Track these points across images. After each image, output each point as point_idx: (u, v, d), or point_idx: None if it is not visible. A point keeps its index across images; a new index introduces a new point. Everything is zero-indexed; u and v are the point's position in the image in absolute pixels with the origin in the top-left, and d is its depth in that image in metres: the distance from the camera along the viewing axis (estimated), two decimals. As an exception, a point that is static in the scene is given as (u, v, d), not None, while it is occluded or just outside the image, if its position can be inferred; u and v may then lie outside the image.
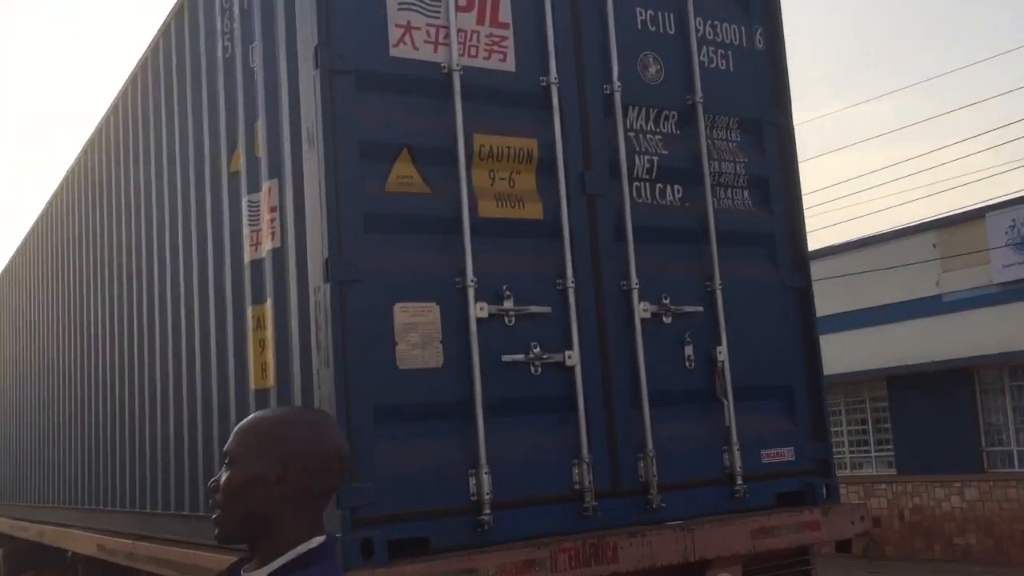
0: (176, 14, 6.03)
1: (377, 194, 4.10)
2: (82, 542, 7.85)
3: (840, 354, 16.76)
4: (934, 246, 16.45)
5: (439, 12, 4.36)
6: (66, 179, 9.29)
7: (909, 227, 17.28)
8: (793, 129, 5.33)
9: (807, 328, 5.19)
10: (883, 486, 17.16)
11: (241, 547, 1.89)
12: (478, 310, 4.20)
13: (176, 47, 6.01)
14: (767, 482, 4.88)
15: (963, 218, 16.31)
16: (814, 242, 10.25)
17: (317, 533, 1.87)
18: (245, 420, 1.95)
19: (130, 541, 6.39)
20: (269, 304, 4.51)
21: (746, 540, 4.56)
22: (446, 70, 4.31)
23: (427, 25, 4.33)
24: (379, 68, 4.19)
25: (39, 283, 10.43)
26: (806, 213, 5.35)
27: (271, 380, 4.47)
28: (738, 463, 4.76)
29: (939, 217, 17.00)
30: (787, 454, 4.99)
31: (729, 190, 5.09)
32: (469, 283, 4.19)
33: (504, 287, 4.30)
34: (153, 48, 6.56)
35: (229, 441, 1.91)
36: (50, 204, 10.08)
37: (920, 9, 48.08)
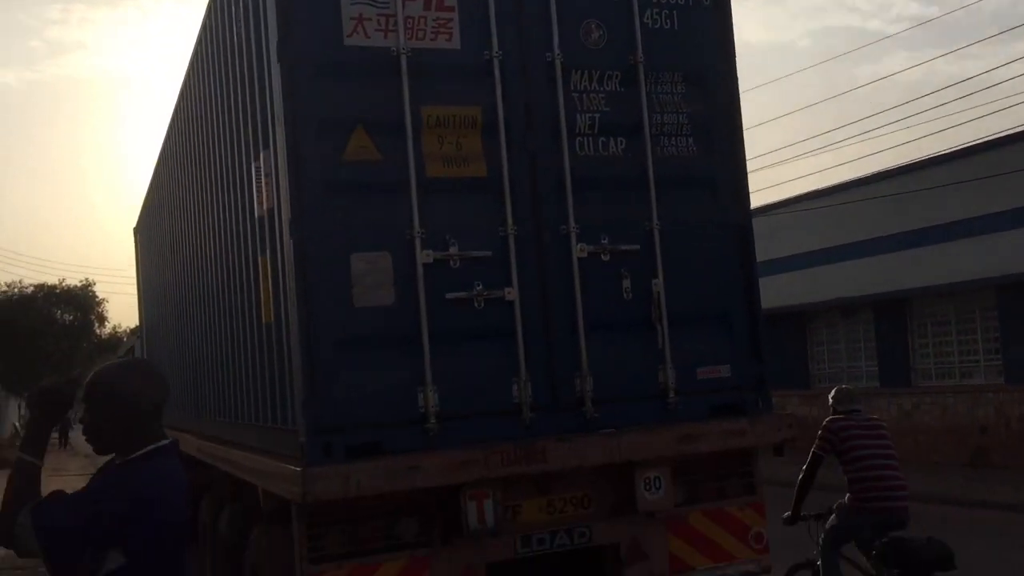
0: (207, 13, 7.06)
1: (334, 163, 4.98)
2: (189, 444, 9.23)
3: (947, 263, 16.70)
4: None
5: (388, 2, 5.13)
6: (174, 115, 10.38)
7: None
8: (736, 74, 5.83)
9: (746, 259, 5.79)
10: (991, 395, 17.11)
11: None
12: (424, 256, 5.05)
13: (214, 40, 7.02)
14: (701, 397, 5.57)
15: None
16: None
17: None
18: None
19: (212, 444, 7.67)
20: (268, 255, 5.50)
21: (671, 444, 5.30)
22: (395, 53, 5.10)
23: (377, 15, 5.11)
24: (334, 57, 5.02)
25: (161, 211, 11.69)
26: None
27: (272, 316, 5.49)
28: (672, 379, 5.47)
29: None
30: (723, 371, 5.65)
31: (673, 138, 5.68)
32: (416, 233, 5.04)
33: (448, 236, 5.12)
34: (198, 41, 7.61)
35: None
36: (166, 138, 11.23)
37: None
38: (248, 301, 6.11)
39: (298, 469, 4.70)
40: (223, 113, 6.72)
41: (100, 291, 71.35)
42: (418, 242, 5.05)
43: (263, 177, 5.52)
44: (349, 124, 5.04)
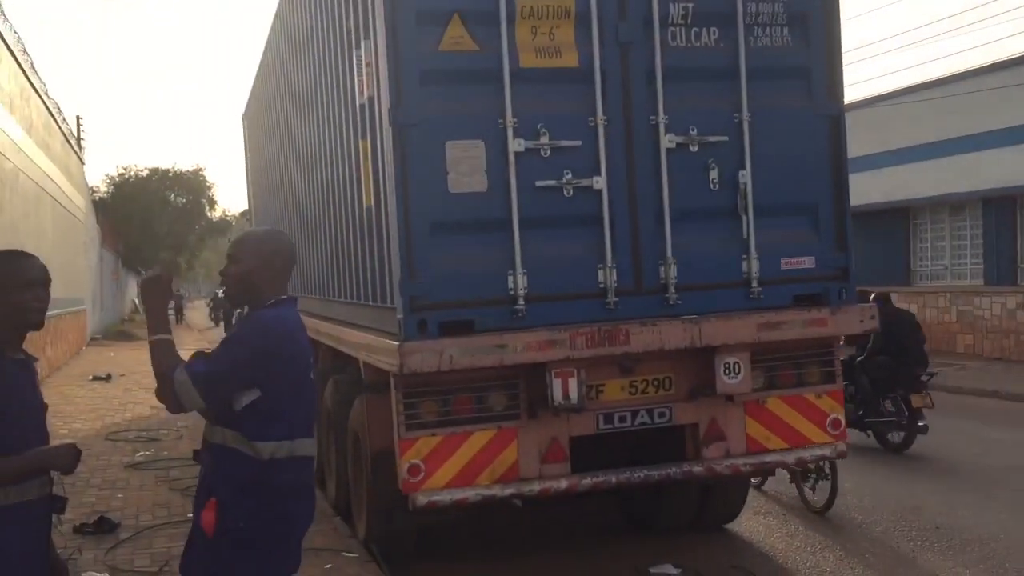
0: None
1: (431, 53, 5.17)
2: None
3: (944, 177, 17.07)
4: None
5: None
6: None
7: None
8: (835, -35, 5.74)
9: (837, 151, 5.80)
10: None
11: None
12: (516, 145, 5.25)
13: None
14: (785, 286, 5.70)
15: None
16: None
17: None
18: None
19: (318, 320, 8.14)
20: (368, 140, 5.77)
21: (751, 331, 5.48)
22: (490, -57, 5.20)
23: (474, -93, 5.19)
24: (430, -54, 5.15)
25: (268, 98, 12.02)
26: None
27: (371, 200, 5.79)
28: (755, 269, 5.61)
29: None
30: (807, 262, 5.75)
31: (767, 28, 5.67)
32: (509, 123, 5.23)
33: (539, 126, 5.30)
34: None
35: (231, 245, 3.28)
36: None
37: None
38: (350, 185, 6.42)
39: (395, 343, 5.06)
40: (326, 2, 6.92)
41: (210, 176, 73.57)
42: (510, 131, 5.24)
43: (364, 66, 5.74)
44: (445, 14, 5.20)
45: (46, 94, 18.50)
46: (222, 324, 41.17)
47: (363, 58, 5.77)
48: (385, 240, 5.47)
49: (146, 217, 42.95)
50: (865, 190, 16.65)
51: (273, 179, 11.81)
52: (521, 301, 5.25)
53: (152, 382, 3.30)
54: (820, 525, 7.10)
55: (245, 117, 15.97)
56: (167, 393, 3.16)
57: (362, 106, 5.92)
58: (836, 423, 5.91)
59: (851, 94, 20.07)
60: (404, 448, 5.25)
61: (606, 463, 5.69)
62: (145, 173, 45.70)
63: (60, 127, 21.04)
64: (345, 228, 6.69)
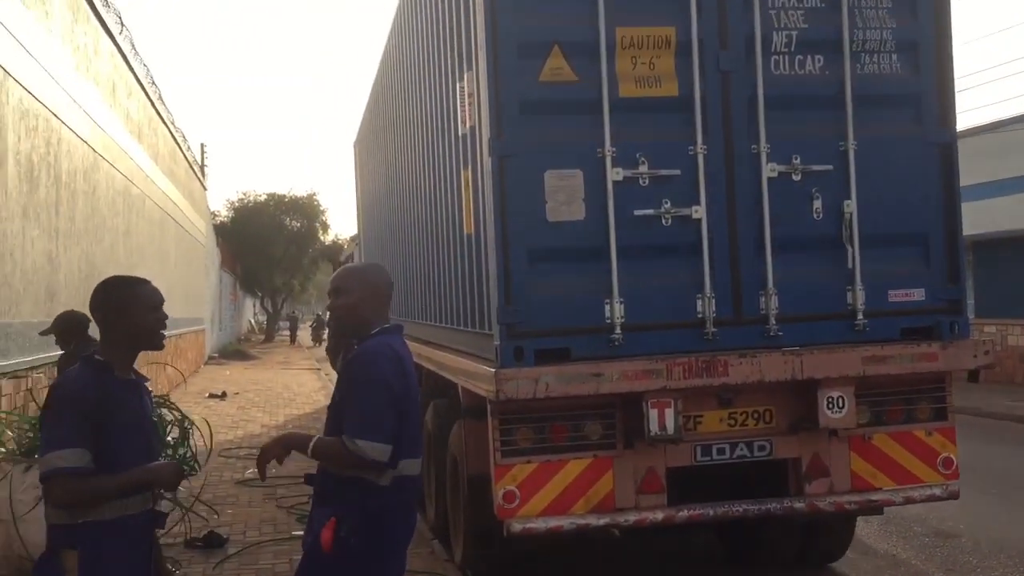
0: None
1: (531, 84, 5.24)
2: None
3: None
4: None
5: (586, -74, 5.26)
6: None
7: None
8: (947, -13, 5.59)
9: (948, 180, 5.62)
10: None
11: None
12: (615, 174, 5.27)
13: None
14: (892, 318, 5.53)
15: None
16: None
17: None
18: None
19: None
20: (469, 170, 5.87)
21: (855, 364, 5.33)
22: (591, -26, 5.25)
23: (574, -61, 5.26)
24: (533, -21, 5.23)
25: (377, 127, 12.34)
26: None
27: (471, 228, 5.88)
28: (860, 300, 5.47)
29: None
30: (917, 295, 5.57)
31: (874, 55, 5.55)
32: (608, 152, 5.25)
33: (638, 155, 5.30)
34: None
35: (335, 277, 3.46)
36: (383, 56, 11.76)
37: None
38: (451, 213, 6.54)
39: (492, 370, 5.12)
40: (431, 36, 7.09)
41: (322, 200, 75.53)
42: (609, 160, 5.26)
43: (466, 97, 5.85)
44: (546, 45, 5.27)
45: (172, 123, 19.42)
46: (323, 344, 42.41)
47: (465, 89, 5.89)
48: (484, 267, 5.55)
49: (263, 240, 44.44)
50: (987, 218, 16.05)
51: (382, 205, 12.10)
52: (618, 330, 5.24)
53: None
54: (933, 567, 6.81)
55: (356, 144, 16.44)
56: (352, 463, 3.36)
57: (464, 136, 6.04)
58: (948, 462, 5.69)
59: (969, 120, 19.41)
60: (500, 474, 5.29)
61: (705, 495, 5.61)
62: (263, 198, 47.37)
63: (185, 155, 22.04)
64: (446, 255, 6.82)
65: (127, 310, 3.05)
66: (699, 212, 5.35)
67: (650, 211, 5.32)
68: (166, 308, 3.19)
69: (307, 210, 48.04)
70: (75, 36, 10.48)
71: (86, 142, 10.80)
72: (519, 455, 5.31)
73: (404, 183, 9.27)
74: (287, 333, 52.46)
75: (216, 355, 31.44)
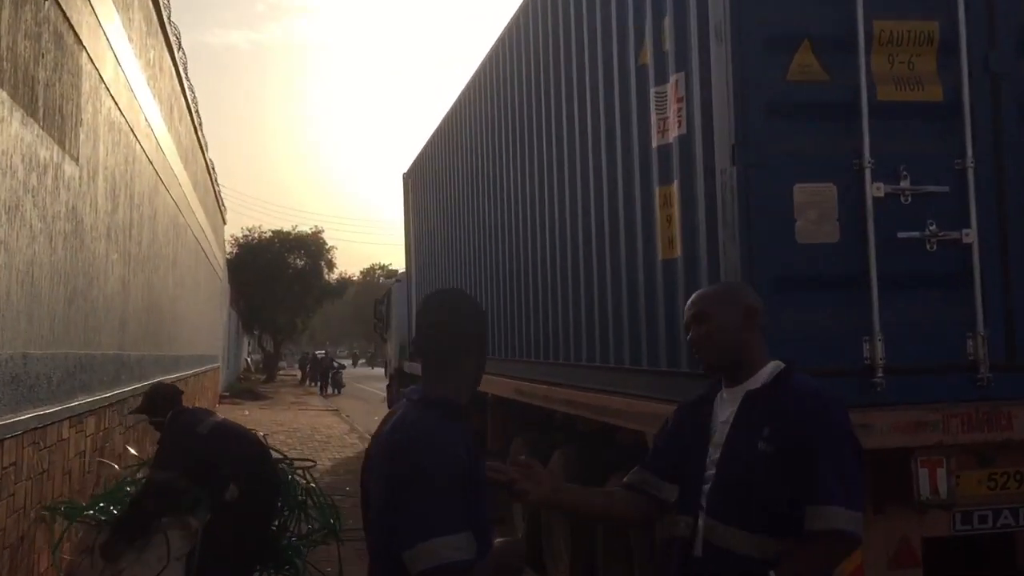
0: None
1: (779, 83, 4.47)
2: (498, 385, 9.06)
3: None
4: None
5: (841, -99, 4.53)
6: (482, 69, 10.16)
7: None
8: None
9: None
10: None
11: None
12: (875, 189, 4.48)
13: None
14: None
15: None
16: None
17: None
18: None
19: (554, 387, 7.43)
20: (676, 185, 5.08)
21: None
22: (845, -43, 4.51)
23: (826, -85, 4.53)
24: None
25: (456, 155, 11.55)
26: None
27: (678, 251, 5.07)
28: None
29: None
30: None
31: None
32: (866, 164, 4.47)
33: (901, 167, 4.53)
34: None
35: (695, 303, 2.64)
36: (467, 88, 10.75)
37: None
38: (632, 237, 5.71)
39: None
40: (596, 46, 6.34)
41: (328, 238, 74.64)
42: (868, 173, 4.48)
43: (673, 102, 5.08)
44: (795, 40, 4.51)
45: (206, 152, 18.65)
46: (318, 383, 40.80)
47: (670, 93, 5.12)
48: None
49: (268, 277, 43.51)
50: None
51: (456, 236, 11.32)
52: (880, 372, 4.43)
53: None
54: None
55: (409, 176, 15.68)
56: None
57: (660, 148, 5.26)
58: None
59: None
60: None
61: (956, 570, 4.78)
62: (268, 235, 46.52)
63: (214, 185, 21.23)
64: (618, 287, 5.96)
65: (486, 338, 2.23)
66: (970, 236, 4.56)
67: (915, 234, 4.53)
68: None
69: (312, 248, 47.19)
70: (147, 49, 9.70)
71: (152, 163, 9.99)
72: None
73: (517, 211, 8.46)
74: (290, 372, 51.19)
75: (227, 393, 30.39)
